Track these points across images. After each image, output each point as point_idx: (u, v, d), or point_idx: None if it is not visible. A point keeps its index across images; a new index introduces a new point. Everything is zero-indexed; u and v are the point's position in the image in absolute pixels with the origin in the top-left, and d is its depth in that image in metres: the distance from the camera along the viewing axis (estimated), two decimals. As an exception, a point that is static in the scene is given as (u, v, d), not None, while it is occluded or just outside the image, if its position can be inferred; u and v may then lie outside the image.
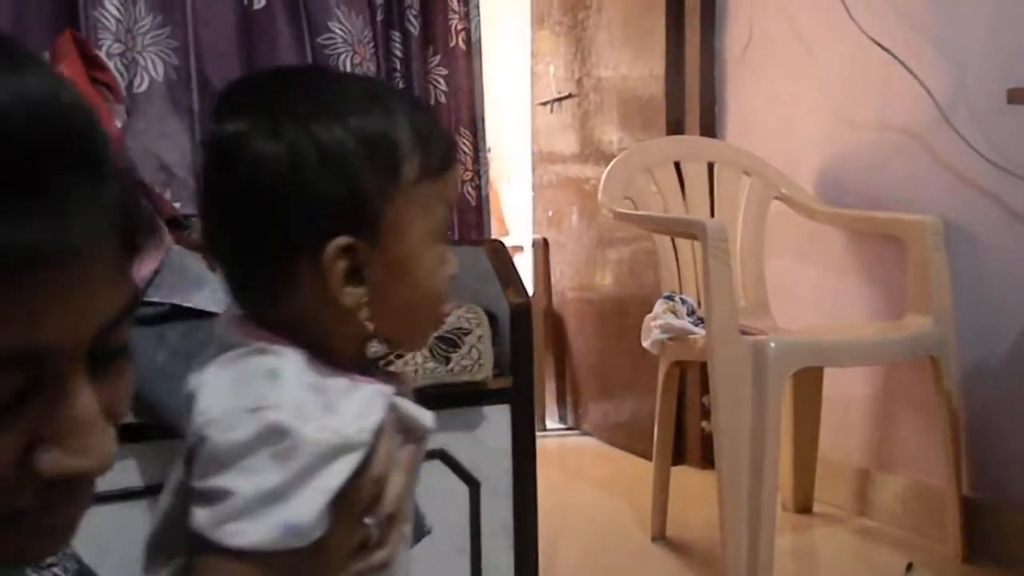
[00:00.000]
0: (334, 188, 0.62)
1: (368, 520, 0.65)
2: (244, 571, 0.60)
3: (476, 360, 1.42)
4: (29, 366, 0.37)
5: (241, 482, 0.59)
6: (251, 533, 0.59)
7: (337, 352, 0.67)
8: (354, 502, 0.64)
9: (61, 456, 0.39)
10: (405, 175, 0.64)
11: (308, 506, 0.60)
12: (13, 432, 0.38)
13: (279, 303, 0.66)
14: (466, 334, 1.43)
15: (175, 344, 1.24)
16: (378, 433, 0.65)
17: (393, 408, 0.67)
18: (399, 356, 1.37)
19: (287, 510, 0.60)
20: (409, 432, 0.70)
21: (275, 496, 0.59)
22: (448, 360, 1.41)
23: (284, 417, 0.60)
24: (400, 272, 0.66)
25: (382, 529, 0.66)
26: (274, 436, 0.60)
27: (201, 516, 0.61)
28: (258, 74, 0.70)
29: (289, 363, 0.63)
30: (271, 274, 0.65)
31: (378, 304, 0.65)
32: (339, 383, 0.65)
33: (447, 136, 0.69)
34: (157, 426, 1.21)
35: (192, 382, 0.65)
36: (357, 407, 0.64)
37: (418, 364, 1.39)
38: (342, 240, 0.63)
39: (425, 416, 0.71)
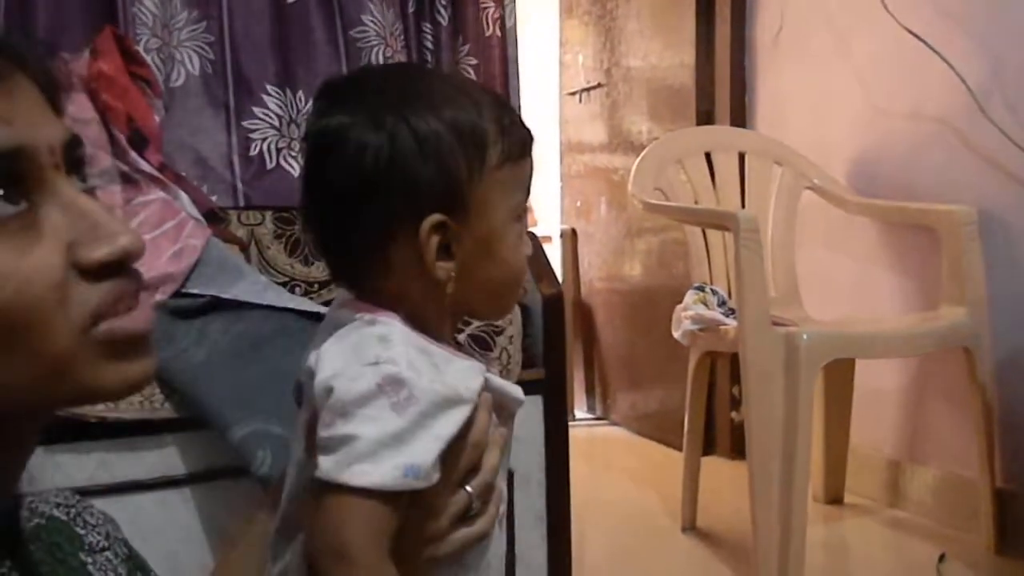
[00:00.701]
0: (429, 171, 0.69)
1: (468, 488, 0.71)
2: (369, 508, 0.65)
3: (505, 365, 1.45)
4: (15, 162, 0.48)
5: (364, 428, 0.65)
6: (375, 474, 0.64)
7: (435, 327, 0.73)
8: (456, 466, 0.70)
9: (96, 245, 0.49)
10: (490, 160, 0.71)
11: (425, 449, 0.66)
12: (45, 238, 0.48)
13: (380, 279, 0.72)
14: (498, 334, 1.44)
15: (215, 339, 1.26)
16: (477, 402, 0.70)
17: (487, 382, 0.72)
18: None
19: (407, 453, 0.65)
20: (501, 409, 0.76)
21: (396, 440, 0.65)
22: None
23: (401, 370, 0.66)
24: (486, 248, 0.72)
25: (481, 499, 0.72)
26: (392, 387, 0.66)
27: (327, 463, 0.65)
28: (355, 73, 0.77)
29: (396, 330, 0.70)
30: (374, 252, 0.71)
31: (465, 278, 0.72)
32: (440, 351, 0.71)
33: (525, 126, 0.75)
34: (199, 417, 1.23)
35: (311, 357, 0.71)
36: (460, 372, 0.70)
37: None
38: (436, 217, 0.69)
39: (516, 390, 0.78)
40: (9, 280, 0.47)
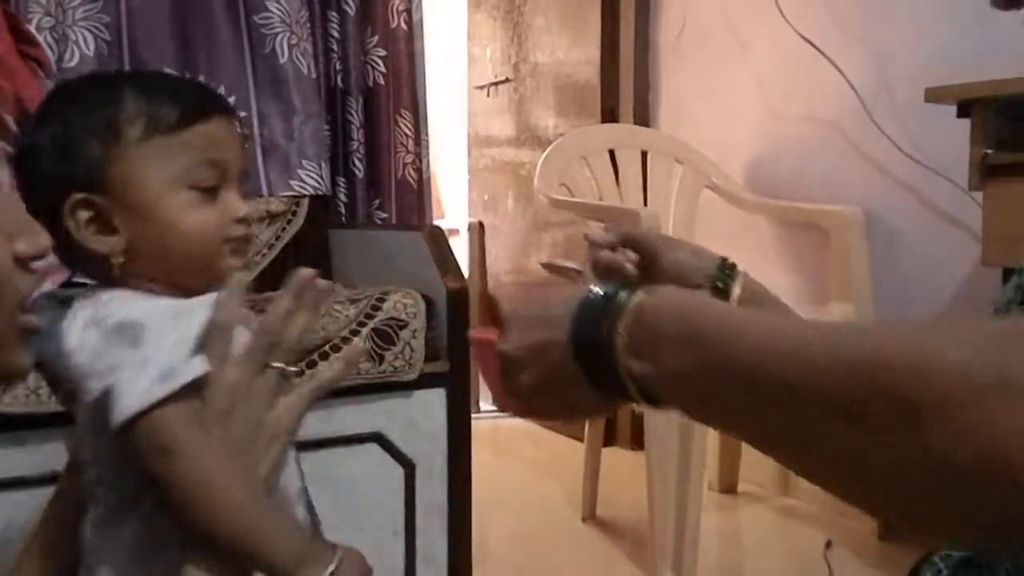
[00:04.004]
0: (61, 157, 0.75)
1: (276, 364, 0.74)
2: (162, 417, 0.69)
3: (407, 360, 1.45)
4: None
5: (116, 375, 0.70)
6: (134, 398, 0.69)
7: (181, 286, 0.77)
8: (252, 354, 0.73)
9: (28, 239, 0.61)
10: (128, 135, 0.75)
11: (170, 356, 0.71)
12: None
13: (85, 264, 0.78)
14: (402, 327, 1.45)
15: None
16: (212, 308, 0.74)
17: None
18: (334, 349, 1.39)
19: (155, 367, 0.70)
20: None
21: (144, 363, 0.70)
22: (382, 360, 1.44)
23: (122, 315, 0.72)
24: (146, 217, 0.75)
25: (290, 359, 0.75)
26: (120, 331, 0.71)
27: (111, 416, 0.70)
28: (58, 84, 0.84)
29: (115, 292, 0.75)
30: (58, 239, 0.75)
31: (144, 247, 0.76)
32: (164, 298, 0.76)
33: (189, 98, 0.77)
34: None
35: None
36: (183, 303, 0.75)
37: None
38: (75, 196, 0.74)
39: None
40: None
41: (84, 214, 0.74)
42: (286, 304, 0.74)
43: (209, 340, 0.72)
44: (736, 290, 0.84)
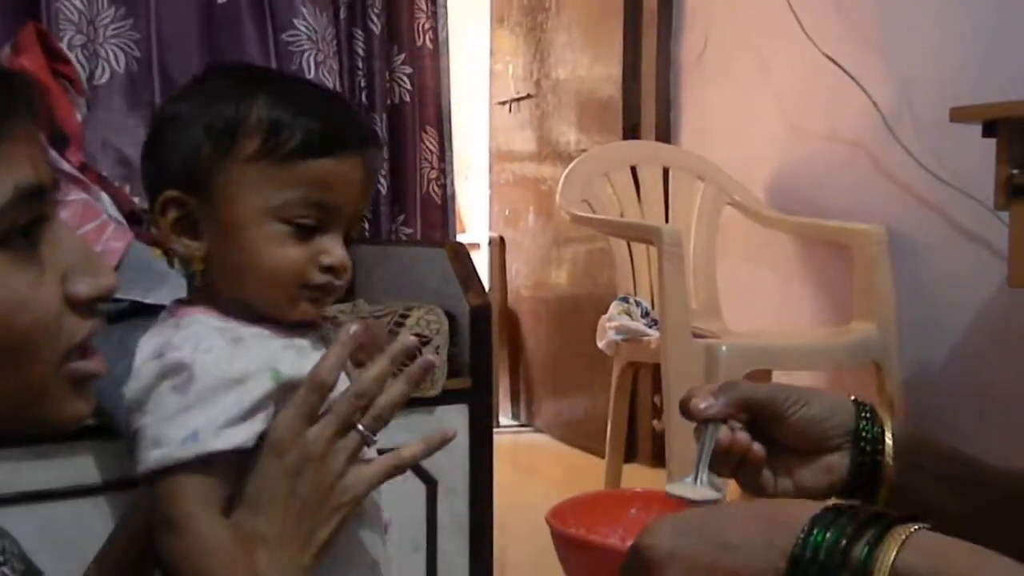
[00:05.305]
0: (171, 147, 0.72)
1: (360, 427, 0.70)
2: (179, 482, 0.67)
3: (430, 376, 1.46)
4: (37, 201, 0.52)
5: (148, 418, 0.68)
6: (161, 453, 0.67)
7: (249, 312, 0.73)
8: (304, 413, 0.69)
9: (87, 280, 0.55)
10: (240, 149, 0.71)
11: (208, 419, 0.67)
12: (48, 269, 0.53)
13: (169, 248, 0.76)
14: (425, 343, 1.45)
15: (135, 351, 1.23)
16: (278, 375, 0.70)
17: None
18: (358, 364, 1.40)
19: (187, 425, 0.67)
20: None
21: (177, 415, 0.67)
22: None
23: (183, 355, 0.68)
24: (230, 235, 0.72)
25: (373, 426, 0.71)
26: (174, 371, 0.68)
27: (137, 461, 0.68)
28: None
29: (196, 313, 0.72)
30: (157, 229, 0.75)
31: (219, 262, 0.73)
32: (253, 330, 0.72)
33: (319, 127, 0.72)
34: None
35: None
36: (264, 352, 0.71)
37: None
38: (170, 192, 0.72)
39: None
40: (27, 307, 0.52)
41: (173, 213, 0.72)
42: (384, 367, 0.70)
43: (302, 393, 0.68)
44: (888, 442, 0.68)
